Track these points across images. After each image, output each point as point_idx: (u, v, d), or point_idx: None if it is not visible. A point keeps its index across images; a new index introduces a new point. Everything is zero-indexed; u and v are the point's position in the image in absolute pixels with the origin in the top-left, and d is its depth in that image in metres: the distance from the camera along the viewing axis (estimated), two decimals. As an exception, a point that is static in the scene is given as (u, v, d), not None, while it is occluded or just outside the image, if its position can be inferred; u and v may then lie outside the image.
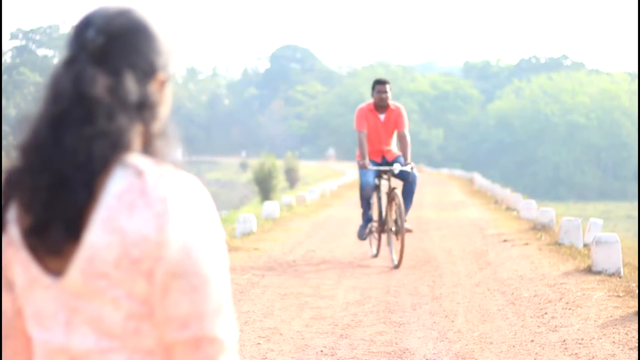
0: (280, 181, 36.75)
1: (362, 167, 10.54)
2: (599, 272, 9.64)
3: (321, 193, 27.92)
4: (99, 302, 1.55)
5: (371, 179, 10.75)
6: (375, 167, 10.68)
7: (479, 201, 24.79)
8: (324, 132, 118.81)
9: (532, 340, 6.80)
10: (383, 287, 9.28)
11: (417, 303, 8.36)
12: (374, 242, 11.50)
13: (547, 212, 15.54)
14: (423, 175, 49.22)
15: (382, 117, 10.82)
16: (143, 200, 1.52)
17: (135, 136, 1.58)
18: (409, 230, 10.60)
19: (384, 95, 10.73)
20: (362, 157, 10.51)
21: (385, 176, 10.82)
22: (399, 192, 10.58)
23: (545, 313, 7.77)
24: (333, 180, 37.06)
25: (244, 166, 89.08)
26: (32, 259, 1.57)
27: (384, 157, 10.95)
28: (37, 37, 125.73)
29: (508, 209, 20.91)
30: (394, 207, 10.65)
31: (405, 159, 10.60)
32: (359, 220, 18.27)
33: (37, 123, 1.57)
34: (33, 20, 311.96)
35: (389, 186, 10.83)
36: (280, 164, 37.16)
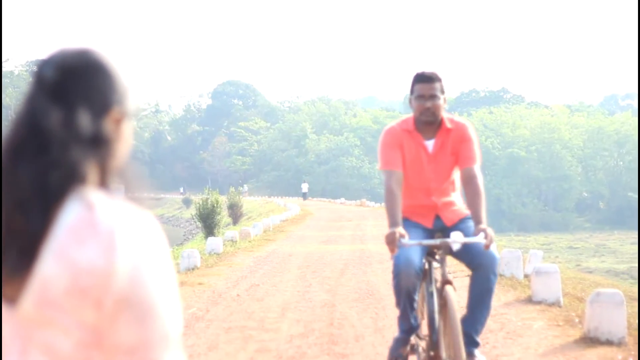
0: (224, 217, 36.56)
1: (390, 243, 5.19)
2: (539, 302, 9.80)
3: (264, 228, 28.00)
4: (50, 330, 1.58)
5: (415, 256, 5.53)
6: (416, 242, 5.33)
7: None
8: (267, 167, 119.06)
9: (474, 369, 6.87)
10: (326, 320, 9.31)
11: (360, 335, 8.40)
12: None
13: (488, 243, 15.62)
14: (366, 210, 49.47)
15: (429, 144, 5.84)
16: (92, 233, 1.56)
17: (91, 170, 1.64)
18: None
19: (429, 104, 5.67)
20: (392, 220, 5.36)
21: (438, 254, 5.44)
22: (453, 293, 5.26)
23: (487, 343, 7.84)
24: (276, 215, 37.09)
25: (187, 202, 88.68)
26: None
27: (438, 218, 5.88)
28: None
29: (450, 241, 21.04)
30: (448, 321, 5.13)
31: (478, 219, 5.34)
32: (302, 254, 18.42)
33: (1, 155, 1.63)
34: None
35: (443, 275, 5.40)
36: (223, 199, 36.97)
